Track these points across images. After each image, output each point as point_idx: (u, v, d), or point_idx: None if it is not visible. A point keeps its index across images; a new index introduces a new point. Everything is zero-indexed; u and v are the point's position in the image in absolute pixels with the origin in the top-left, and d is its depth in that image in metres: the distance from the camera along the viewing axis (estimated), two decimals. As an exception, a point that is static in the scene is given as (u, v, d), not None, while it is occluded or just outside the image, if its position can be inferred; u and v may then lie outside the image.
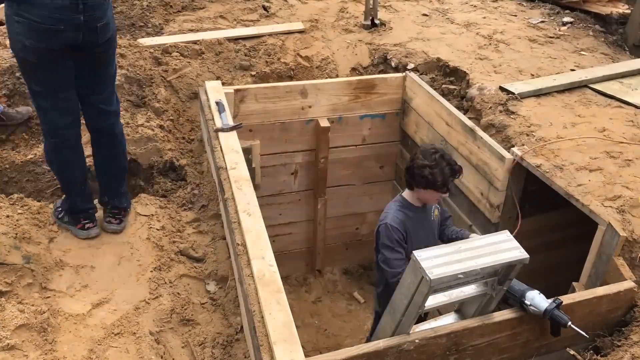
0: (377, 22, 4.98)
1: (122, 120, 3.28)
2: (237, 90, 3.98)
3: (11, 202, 3.13)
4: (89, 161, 3.22)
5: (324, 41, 4.73)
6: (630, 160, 3.24)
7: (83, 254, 3.01)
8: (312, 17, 5.04)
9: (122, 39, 4.34)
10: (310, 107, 4.24)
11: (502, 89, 3.91)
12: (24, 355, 2.38)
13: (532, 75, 4.16)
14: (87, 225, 3.09)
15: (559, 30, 4.99)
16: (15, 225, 2.97)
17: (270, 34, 4.64)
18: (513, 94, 3.83)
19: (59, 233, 3.12)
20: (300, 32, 4.74)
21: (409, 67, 4.56)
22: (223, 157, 3.19)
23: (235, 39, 4.53)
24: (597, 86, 3.97)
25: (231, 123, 3.47)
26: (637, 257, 2.70)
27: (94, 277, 2.88)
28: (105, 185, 3.19)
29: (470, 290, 2.41)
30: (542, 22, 5.15)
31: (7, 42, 4.12)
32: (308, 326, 4.51)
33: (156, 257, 3.09)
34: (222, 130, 3.41)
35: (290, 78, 4.43)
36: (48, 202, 3.47)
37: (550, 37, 4.84)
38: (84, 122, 2.98)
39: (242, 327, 2.71)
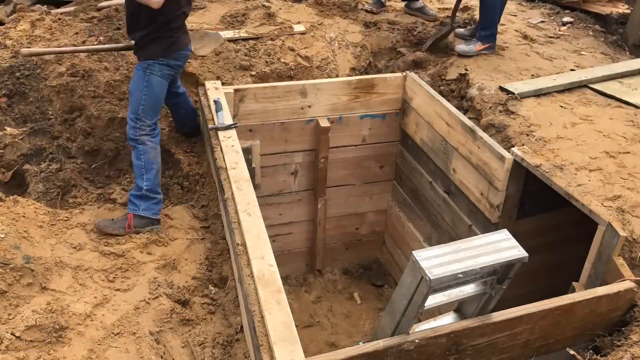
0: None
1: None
2: (236, 90, 3.98)
3: (12, 202, 3.14)
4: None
5: (324, 41, 4.73)
6: (630, 160, 3.24)
7: (83, 254, 3.02)
8: (312, 17, 5.04)
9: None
10: (310, 107, 4.24)
11: (502, 89, 3.91)
12: (25, 355, 2.38)
13: (532, 75, 4.16)
14: None
15: (559, 30, 4.99)
16: (16, 224, 2.97)
17: (270, 35, 4.63)
18: (513, 94, 3.83)
19: (59, 233, 3.12)
20: (301, 33, 4.74)
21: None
22: (223, 157, 3.19)
23: (235, 40, 4.53)
24: (597, 86, 3.97)
25: (227, 122, 3.47)
26: (637, 257, 2.70)
27: (94, 277, 2.89)
28: None
29: (469, 289, 2.41)
30: (542, 22, 5.15)
31: (7, 42, 4.14)
32: (308, 326, 4.51)
33: (157, 257, 3.10)
34: (217, 129, 3.42)
35: (290, 78, 4.43)
36: (46, 202, 3.47)
37: (550, 37, 4.84)
38: None
39: (242, 327, 2.71)
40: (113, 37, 4.29)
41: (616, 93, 3.88)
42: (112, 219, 3.30)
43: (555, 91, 3.92)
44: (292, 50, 4.59)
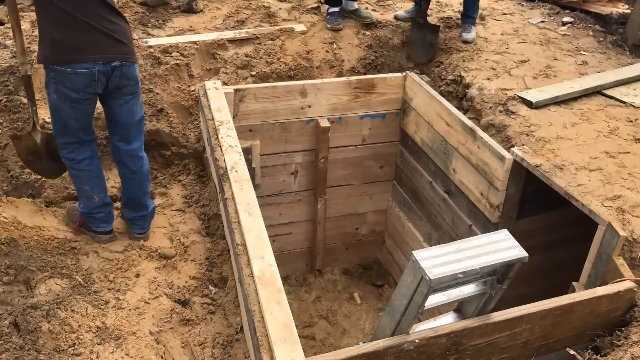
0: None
1: None
2: (236, 90, 3.98)
3: (10, 202, 3.14)
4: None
5: (324, 41, 4.73)
6: (630, 160, 3.24)
7: (82, 254, 3.02)
8: (312, 17, 5.04)
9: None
10: (310, 107, 4.24)
11: (519, 97, 3.85)
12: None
13: (534, 77, 4.15)
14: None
15: (559, 30, 4.99)
16: (15, 224, 2.97)
17: (270, 35, 4.63)
18: (531, 102, 3.75)
19: (58, 232, 3.12)
20: (302, 33, 4.74)
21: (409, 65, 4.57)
22: (223, 157, 3.19)
23: (235, 41, 4.53)
24: (609, 92, 3.91)
25: None
26: (637, 257, 2.70)
27: (94, 277, 2.89)
28: None
29: (469, 289, 2.41)
30: (542, 22, 5.15)
31: (7, 42, 4.14)
32: (308, 326, 4.51)
33: (156, 257, 3.10)
34: None
35: (290, 78, 4.43)
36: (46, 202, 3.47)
37: (550, 37, 4.84)
38: None
39: (242, 327, 2.71)
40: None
41: (623, 97, 3.83)
42: (76, 208, 3.19)
43: (570, 98, 3.82)
44: (292, 50, 4.59)
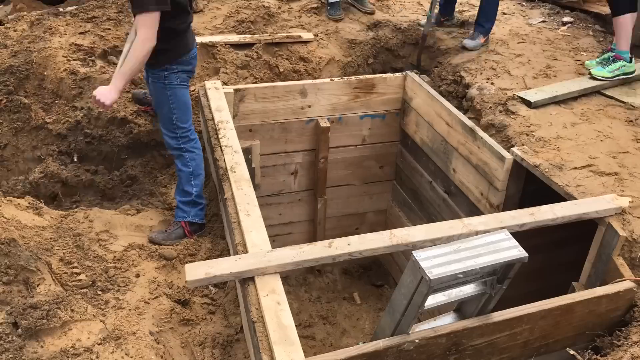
0: None
1: None
2: (236, 90, 3.98)
3: (8, 202, 3.14)
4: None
5: (324, 42, 4.73)
6: (630, 160, 3.24)
7: (82, 254, 3.01)
8: (311, 18, 5.03)
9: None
10: (310, 106, 4.24)
11: (518, 97, 3.85)
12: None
13: (534, 77, 4.14)
14: None
15: (559, 30, 4.99)
16: (15, 225, 2.97)
17: (272, 42, 4.59)
18: (530, 102, 3.75)
19: (58, 233, 3.12)
20: (306, 42, 4.68)
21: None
22: (223, 157, 3.19)
23: (236, 43, 4.51)
24: (609, 92, 3.90)
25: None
26: (637, 257, 2.70)
27: (94, 277, 2.88)
28: None
29: (469, 289, 2.40)
30: (542, 22, 5.15)
31: (7, 42, 4.14)
32: (308, 326, 4.51)
33: (156, 257, 3.10)
34: None
35: (291, 78, 4.43)
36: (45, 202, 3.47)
37: (550, 37, 4.84)
38: None
39: (242, 327, 2.71)
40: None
41: (621, 96, 3.83)
42: (165, 230, 3.31)
43: (569, 98, 3.82)
44: (293, 52, 4.58)
